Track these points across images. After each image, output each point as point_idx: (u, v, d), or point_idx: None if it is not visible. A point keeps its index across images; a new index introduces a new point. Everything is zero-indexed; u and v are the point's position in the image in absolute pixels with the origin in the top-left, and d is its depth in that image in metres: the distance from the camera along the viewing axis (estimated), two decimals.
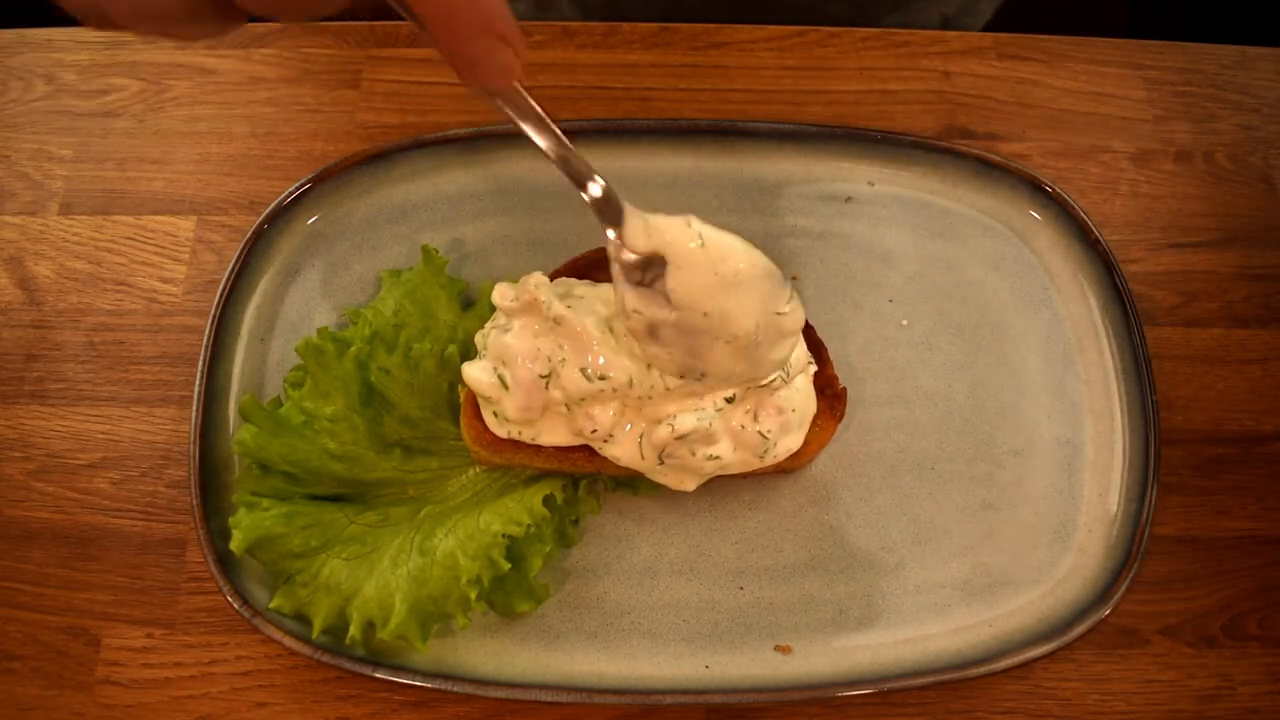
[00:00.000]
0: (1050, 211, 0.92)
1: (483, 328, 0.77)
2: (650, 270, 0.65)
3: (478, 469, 0.81)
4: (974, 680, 0.77)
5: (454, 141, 0.93)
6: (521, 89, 0.58)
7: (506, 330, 0.73)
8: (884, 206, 0.94)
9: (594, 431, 0.73)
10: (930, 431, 0.86)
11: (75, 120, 1.00)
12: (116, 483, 0.85)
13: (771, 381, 0.72)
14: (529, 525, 0.75)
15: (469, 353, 0.79)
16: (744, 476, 0.81)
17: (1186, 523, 0.85)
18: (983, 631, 0.78)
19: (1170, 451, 0.87)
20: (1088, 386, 0.87)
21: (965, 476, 0.84)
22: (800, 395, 0.76)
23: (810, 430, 0.77)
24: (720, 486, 0.82)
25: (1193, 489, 0.86)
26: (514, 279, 0.75)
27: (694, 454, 0.73)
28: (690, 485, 0.78)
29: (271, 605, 0.76)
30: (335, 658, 0.74)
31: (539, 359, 0.71)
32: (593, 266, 0.80)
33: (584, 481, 0.81)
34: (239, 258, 0.88)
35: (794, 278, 0.91)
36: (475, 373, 0.73)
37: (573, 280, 0.77)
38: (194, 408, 0.82)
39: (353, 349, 0.78)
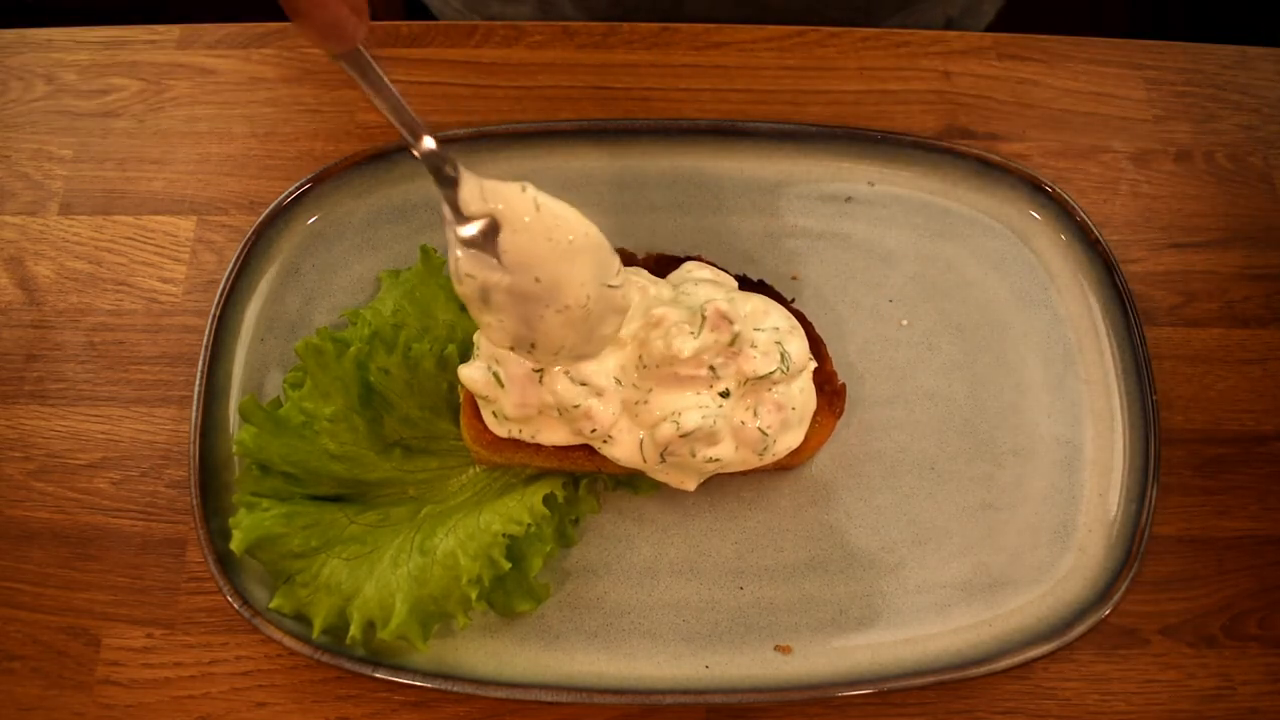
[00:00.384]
0: (1050, 211, 0.92)
1: None
2: (486, 240, 0.65)
3: (477, 468, 0.81)
4: (974, 680, 0.77)
5: (453, 142, 0.93)
6: (365, 52, 0.60)
7: None
8: (884, 206, 0.94)
9: (594, 431, 0.73)
10: (930, 431, 0.86)
11: (75, 120, 1.00)
12: (116, 483, 0.85)
13: (771, 374, 0.72)
14: (529, 525, 0.75)
15: (468, 352, 0.79)
16: (744, 475, 0.81)
17: (1186, 523, 0.85)
18: (983, 631, 0.78)
19: (1170, 451, 0.86)
20: (1088, 386, 0.87)
21: (965, 476, 0.84)
22: (800, 393, 0.76)
23: (810, 427, 0.77)
24: (720, 486, 0.82)
25: (1193, 489, 0.86)
26: None
27: (694, 455, 0.73)
28: (690, 484, 0.78)
29: (271, 605, 0.76)
30: (335, 658, 0.74)
31: None
32: None
33: (584, 480, 0.81)
34: (239, 258, 0.88)
35: (794, 278, 0.91)
36: (470, 372, 0.73)
37: None
38: (194, 408, 0.82)
39: (352, 349, 0.78)
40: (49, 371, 0.89)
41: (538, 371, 0.72)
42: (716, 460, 0.74)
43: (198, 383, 0.83)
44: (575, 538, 0.81)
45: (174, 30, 1.04)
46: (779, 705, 0.78)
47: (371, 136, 0.98)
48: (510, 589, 0.77)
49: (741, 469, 0.76)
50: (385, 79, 0.62)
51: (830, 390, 0.79)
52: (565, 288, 0.66)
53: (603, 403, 0.72)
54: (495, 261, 0.65)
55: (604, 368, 0.72)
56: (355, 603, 0.74)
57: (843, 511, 0.83)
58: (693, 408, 0.72)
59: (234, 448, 0.78)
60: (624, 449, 0.74)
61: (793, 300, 0.81)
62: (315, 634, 0.74)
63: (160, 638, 0.80)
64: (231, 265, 0.87)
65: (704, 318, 0.71)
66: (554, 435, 0.75)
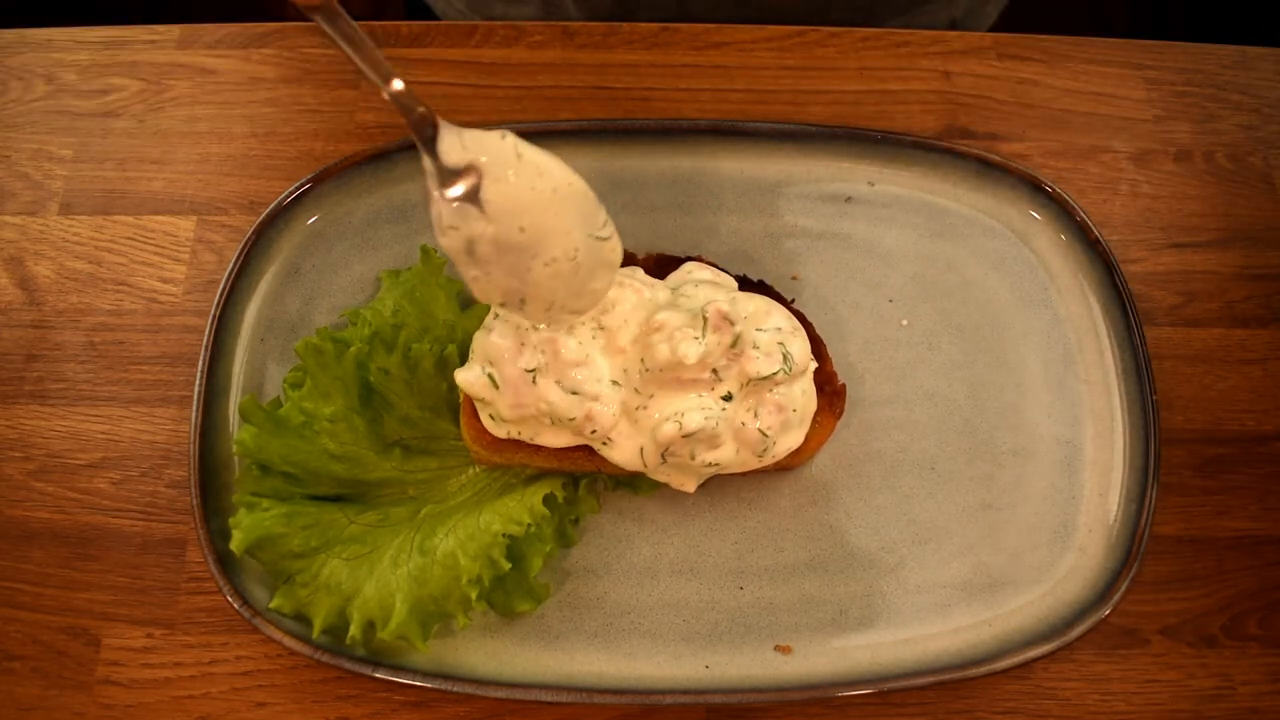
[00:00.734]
0: (1050, 211, 0.92)
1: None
2: (468, 190, 0.64)
3: (477, 468, 0.81)
4: (974, 680, 0.77)
5: None
6: (339, 9, 0.59)
7: (490, 330, 0.73)
8: (884, 206, 0.94)
9: (594, 432, 0.73)
10: (930, 431, 0.86)
11: (75, 120, 1.00)
12: (116, 483, 0.85)
13: (774, 375, 0.72)
14: (529, 525, 0.75)
15: (467, 353, 0.79)
16: (744, 475, 0.81)
17: (1186, 523, 0.85)
18: (983, 631, 0.78)
19: (1170, 451, 0.87)
20: (1088, 386, 0.87)
21: (965, 476, 0.84)
22: (801, 394, 0.76)
23: (810, 427, 0.77)
24: (720, 486, 0.82)
25: (1193, 489, 0.86)
26: None
27: (694, 458, 0.73)
28: (690, 485, 0.78)
29: (271, 605, 0.76)
30: (335, 658, 0.74)
31: (524, 353, 0.71)
32: None
33: (584, 480, 0.81)
34: (239, 258, 0.88)
35: (794, 278, 0.91)
36: (466, 375, 0.73)
37: None
38: (194, 408, 0.82)
39: (352, 349, 0.78)
40: (49, 371, 0.89)
41: (531, 372, 0.72)
42: (715, 464, 0.74)
43: (198, 383, 0.83)
44: (575, 538, 0.81)
45: (174, 30, 1.04)
46: (779, 705, 0.78)
47: (371, 136, 0.99)
48: (510, 589, 0.77)
49: (741, 470, 0.76)
50: (355, 25, 0.60)
51: (830, 390, 0.79)
52: (551, 238, 0.65)
53: (602, 405, 0.72)
54: (478, 212, 0.64)
55: (599, 374, 0.72)
56: (355, 603, 0.74)
57: (843, 511, 0.83)
58: (695, 409, 0.72)
59: (234, 448, 0.78)
60: (624, 452, 0.74)
61: (793, 300, 0.81)
62: (315, 634, 0.74)
63: (160, 638, 0.80)
64: (231, 265, 0.87)
65: (705, 319, 0.70)
66: (553, 437, 0.75)
